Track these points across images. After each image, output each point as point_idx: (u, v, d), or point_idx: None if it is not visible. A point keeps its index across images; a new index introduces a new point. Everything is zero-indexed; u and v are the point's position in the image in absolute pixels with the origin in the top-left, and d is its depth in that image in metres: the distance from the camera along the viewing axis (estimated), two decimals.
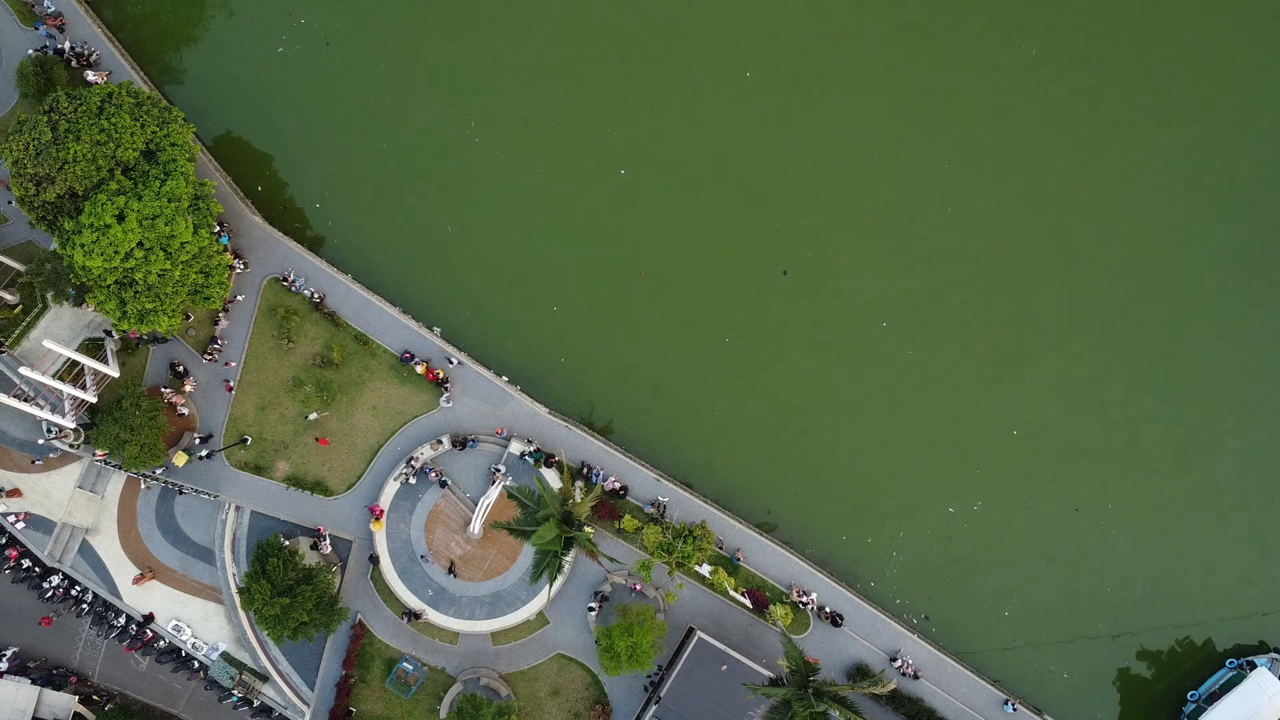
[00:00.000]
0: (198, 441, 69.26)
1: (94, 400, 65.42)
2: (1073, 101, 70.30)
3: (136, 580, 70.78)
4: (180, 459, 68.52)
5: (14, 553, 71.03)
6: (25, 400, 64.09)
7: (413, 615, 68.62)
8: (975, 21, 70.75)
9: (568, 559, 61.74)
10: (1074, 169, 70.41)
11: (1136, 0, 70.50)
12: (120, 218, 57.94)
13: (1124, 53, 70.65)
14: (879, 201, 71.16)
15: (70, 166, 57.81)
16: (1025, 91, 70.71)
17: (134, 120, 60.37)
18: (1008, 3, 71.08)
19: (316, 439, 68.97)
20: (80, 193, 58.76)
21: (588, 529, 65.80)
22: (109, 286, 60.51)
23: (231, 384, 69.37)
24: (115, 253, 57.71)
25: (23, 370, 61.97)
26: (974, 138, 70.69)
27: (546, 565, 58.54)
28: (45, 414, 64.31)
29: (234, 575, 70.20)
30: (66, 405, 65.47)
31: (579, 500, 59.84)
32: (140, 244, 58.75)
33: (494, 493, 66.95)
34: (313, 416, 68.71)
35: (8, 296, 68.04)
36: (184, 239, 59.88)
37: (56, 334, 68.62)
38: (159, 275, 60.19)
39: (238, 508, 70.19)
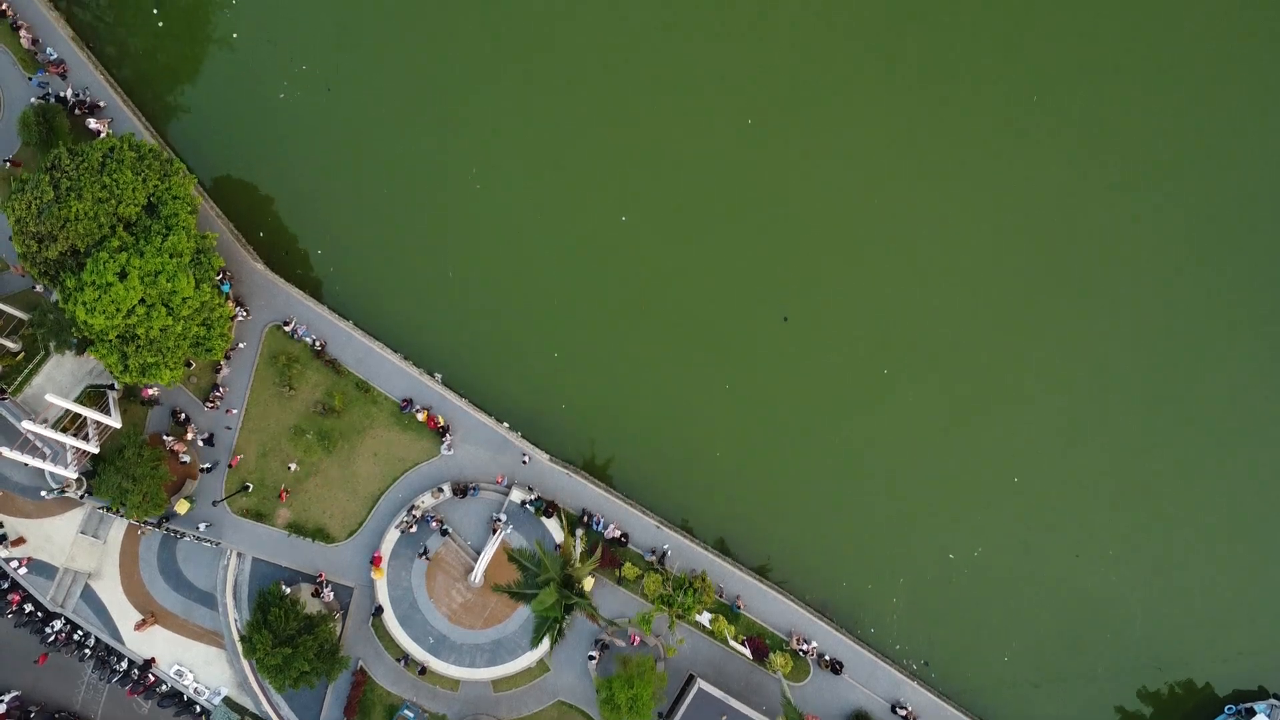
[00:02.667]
0: (202, 471, 69.54)
1: (96, 451, 65.56)
2: (1074, 148, 70.29)
3: (139, 626, 70.97)
4: (182, 506, 68.72)
5: (16, 597, 71.23)
6: (28, 451, 64.10)
7: (412, 663, 68.74)
8: (974, 69, 70.74)
9: (568, 622, 61.88)
10: (1075, 216, 70.36)
11: (1136, 46, 70.36)
12: (122, 275, 58.06)
13: (1124, 96, 70.58)
14: (879, 249, 71.24)
15: (72, 224, 57.96)
16: (1026, 138, 70.67)
17: (135, 175, 60.46)
18: (1008, 49, 71.02)
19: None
20: (82, 249, 58.91)
21: (588, 578, 66.28)
22: (111, 341, 60.62)
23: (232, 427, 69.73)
24: (117, 310, 57.85)
25: (25, 424, 62.12)
26: (975, 185, 70.75)
27: (548, 629, 58.65)
28: (48, 465, 64.45)
29: (236, 621, 70.35)
30: (69, 455, 65.61)
31: (580, 564, 59.94)
32: (142, 300, 58.86)
33: (495, 542, 67.20)
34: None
35: (10, 344, 68.16)
36: (186, 294, 60.02)
37: (59, 381, 68.86)
38: (161, 330, 60.31)
39: (239, 554, 70.36)
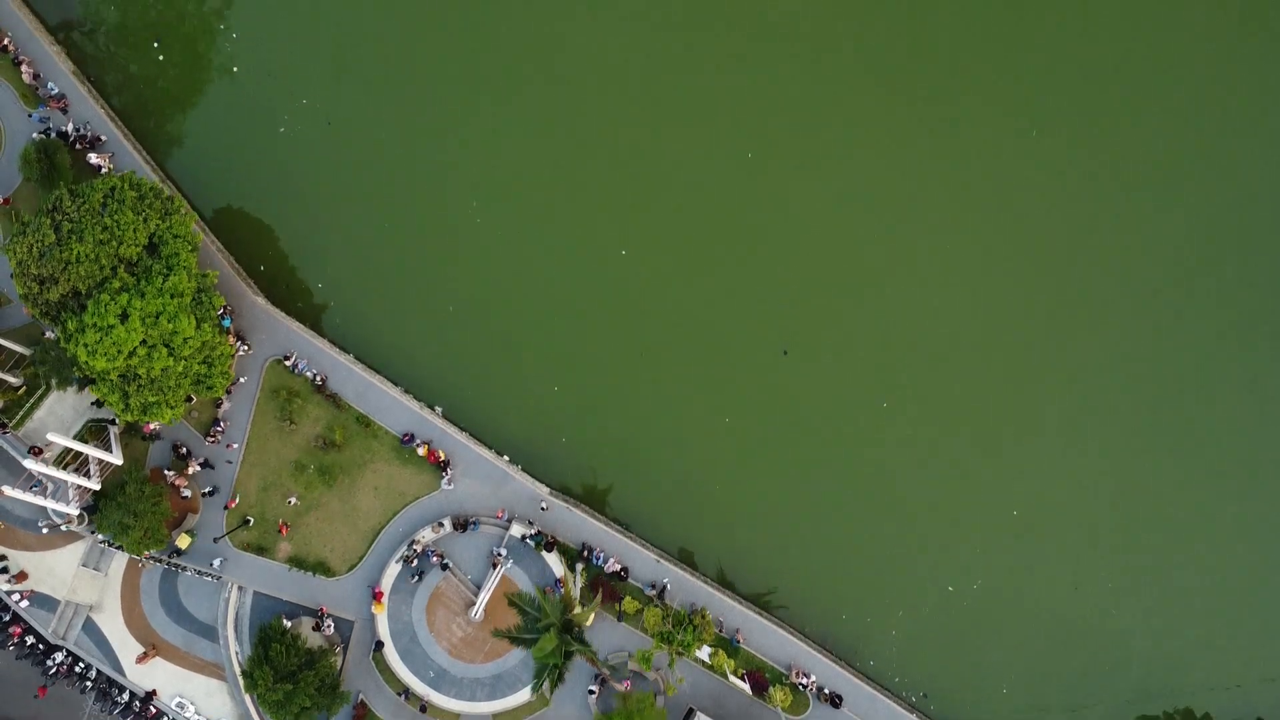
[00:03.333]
0: (204, 495, 69.73)
1: (98, 488, 65.74)
2: (1074, 185, 70.49)
3: (140, 659, 71.09)
4: (184, 541, 68.92)
5: (17, 630, 71.40)
6: (30, 490, 64.27)
7: (413, 698, 68.95)
8: (975, 105, 70.88)
9: (568, 666, 62.12)
10: (1075, 252, 70.59)
11: (1135, 85, 70.58)
12: (123, 317, 58.21)
13: (1125, 135, 70.78)
14: (879, 282, 71.40)
15: (74, 267, 58.10)
16: (1027, 175, 70.86)
17: (136, 215, 60.57)
18: (1007, 86, 71.17)
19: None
20: (84, 291, 59.03)
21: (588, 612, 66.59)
22: (112, 380, 60.77)
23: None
24: (119, 352, 58.01)
25: (27, 463, 62.30)
26: (976, 221, 70.90)
27: (548, 675, 58.88)
28: (50, 503, 64.63)
29: (236, 653, 70.50)
30: (71, 492, 65.79)
31: (581, 611, 60.15)
32: (144, 341, 59.01)
33: (496, 577, 67.46)
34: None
35: (11, 379, 68.34)
36: (187, 334, 60.18)
37: (60, 415, 69.11)
38: (162, 370, 60.45)
39: (241, 587, 70.54)
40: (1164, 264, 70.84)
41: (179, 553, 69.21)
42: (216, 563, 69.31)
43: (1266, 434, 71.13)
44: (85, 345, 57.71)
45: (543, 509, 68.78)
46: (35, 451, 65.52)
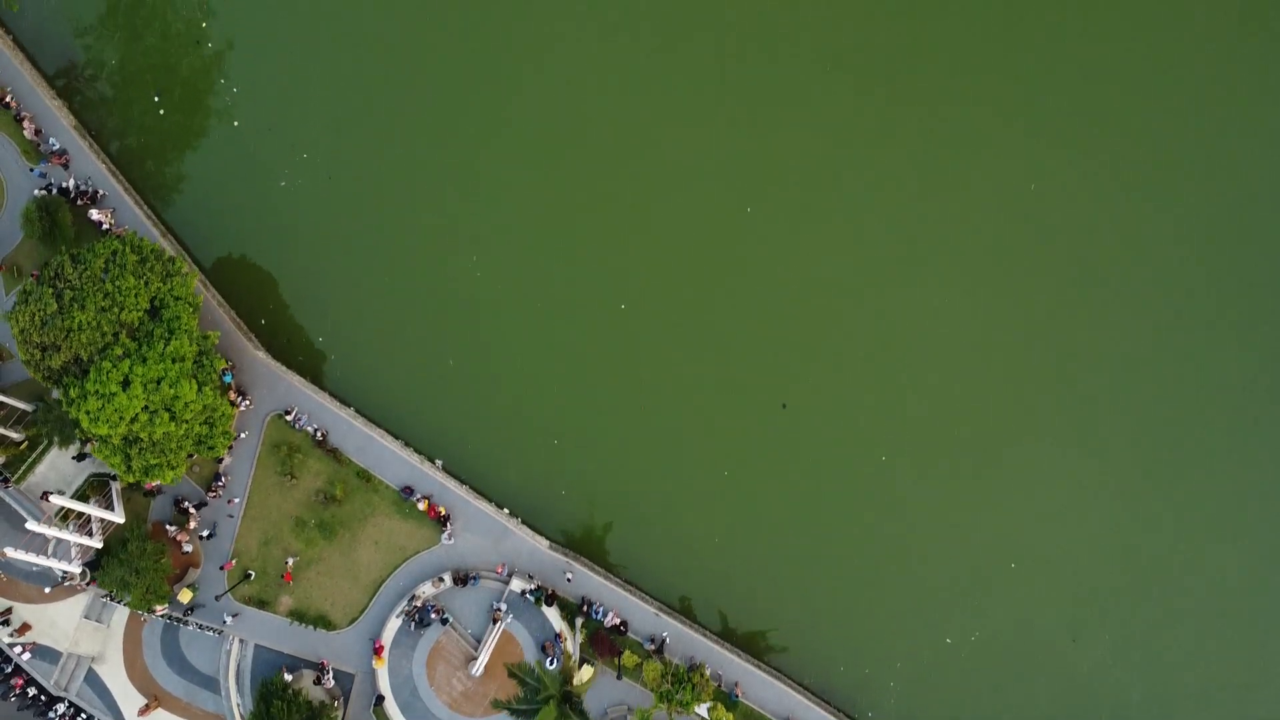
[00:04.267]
0: (204, 537, 70.12)
1: (100, 546, 66.13)
2: (1072, 240, 70.70)
3: (142, 711, 71.41)
4: (185, 595, 69.28)
5: (19, 681, 71.74)
6: (33, 549, 64.63)
7: None
8: (972, 161, 71.12)
9: None
10: (1073, 310, 70.76)
11: (1134, 141, 70.89)
12: (125, 384, 58.53)
13: (1123, 187, 71.13)
14: (877, 336, 71.59)
15: (75, 335, 58.40)
16: (1025, 229, 71.11)
17: (138, 279, 60.92)
18: (1004, 142, 71.39)
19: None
20: (86, 357, 59.31)
21: (588, 667, 66.94)
22: (114, 444, 61.08)
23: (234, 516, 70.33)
24: (120, 419, 58.35)
25: (29, 525, 62.68)
26: (973, 278, 71.08)
27: None
28: (53, 563, 64.99)
29: (238, 706, 70.88)
30: (73, 551, 66.16)
31: (580, 684, 60.50)
32: (145, 407, 59.34)
33: (497, 631, 67.87)
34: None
35: (13, 435, 68.69)
36: (188, 399, 60.50)
37: (63, 469, 69.47)
38: (163, 434, 60.78)
39: (242, 640, 70.90)
40: (1166, 310, 70.70)
41: (189, 611, 69.52)
42: (228, 619, 69.60)
43: (1265, 476, 71.11)
44: (87, 413, 58.05)
45: (568, 580, 68.89)
46: (45, 496, 65.57)
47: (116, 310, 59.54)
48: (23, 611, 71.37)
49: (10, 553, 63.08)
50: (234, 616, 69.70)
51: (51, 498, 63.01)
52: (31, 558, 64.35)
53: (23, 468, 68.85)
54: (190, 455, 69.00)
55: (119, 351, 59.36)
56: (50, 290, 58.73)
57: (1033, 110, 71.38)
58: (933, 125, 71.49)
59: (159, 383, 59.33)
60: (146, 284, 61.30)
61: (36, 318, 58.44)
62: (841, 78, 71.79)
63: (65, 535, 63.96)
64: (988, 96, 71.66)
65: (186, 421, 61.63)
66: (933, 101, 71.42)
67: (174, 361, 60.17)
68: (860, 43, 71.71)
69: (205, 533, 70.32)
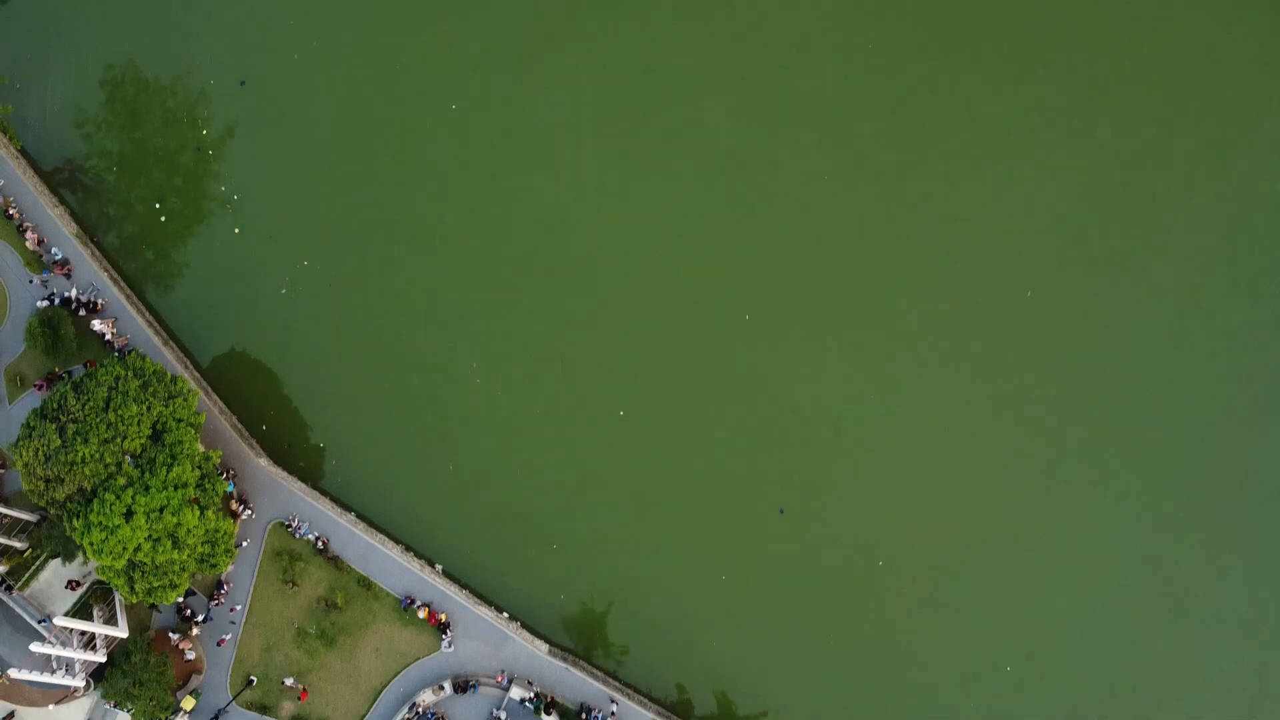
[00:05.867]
0: (211, 606, 70.81)
1: (104, 660, 66.83)
2: (1069, 349, 71.15)
3: None
4: (188, 703, 69.91)
5: None
6: (37, 670, 65.28)
7: None
8: (969, 266, 71.62)
9: None
10: (1072, 408, 71.20)
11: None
12: (128, 515, 59.13)
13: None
14: (876, 444, 72.04)
15: (79, 468, 58.99)
16: (1022, 334, 71.55)
17: (140, 405, 61.48)
18: (1000, 246, 71.85)
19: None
20: (89, 489, 59.90)
21: None
22: (118, 568, 61.71)
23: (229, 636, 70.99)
24: (124, 550, 58.98)
25: (33, 647, 63.27)
26: (971, 385, 71.53)
27: None
28: (58, 679, 65.58)
29: None
30: (77, 665, 66.80)
31: None
32: (149, 536, 59.93)
33: None
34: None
35: (16, 544, 69.34)
36: (190, 526, 61.09)
37: (66, 575, 70.09)
38: (166, 560, 61.42)
39: None
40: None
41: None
42: None
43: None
44: (91, 544, 58.67)
45: (613, 712, 69.00)
46: (49, 618, 66.26)
47: (120, 440, 60.11)
48: (28, 716, 72.03)
49: (15, 675, 63.71)
50: None
51: (56, 620, 63.61)
52: (36, 677, 64.96)
53: (26, 575, 69.57)
54: (194, 575, 69.80)
55: (122, 481, 59.98)
56: (53, 425, 59.29)
57: (1027, 220, 71.86)
58: (931, 232, 72.01)
59: (161, 511, 59.93)
60: (149, 409, 61.90)
61: (40, 452, 59.05)
62: (840, 186, 72.24)
63: (69, 653, 64.58)
64: (984, 206, 72.11)
65: (189, 545, 62.17)
66: (931, 210, 71.91)
67: (176, 489, 60.76)
68: (860, 155, 72.27)
69: (202, 618, 70.89)
